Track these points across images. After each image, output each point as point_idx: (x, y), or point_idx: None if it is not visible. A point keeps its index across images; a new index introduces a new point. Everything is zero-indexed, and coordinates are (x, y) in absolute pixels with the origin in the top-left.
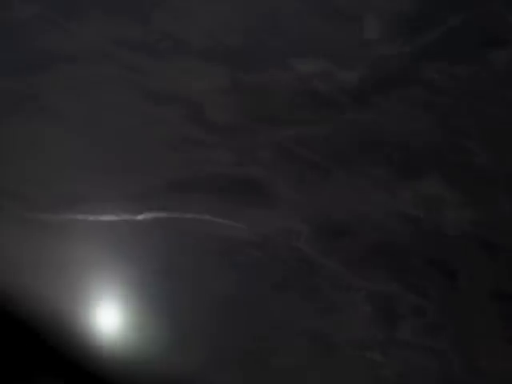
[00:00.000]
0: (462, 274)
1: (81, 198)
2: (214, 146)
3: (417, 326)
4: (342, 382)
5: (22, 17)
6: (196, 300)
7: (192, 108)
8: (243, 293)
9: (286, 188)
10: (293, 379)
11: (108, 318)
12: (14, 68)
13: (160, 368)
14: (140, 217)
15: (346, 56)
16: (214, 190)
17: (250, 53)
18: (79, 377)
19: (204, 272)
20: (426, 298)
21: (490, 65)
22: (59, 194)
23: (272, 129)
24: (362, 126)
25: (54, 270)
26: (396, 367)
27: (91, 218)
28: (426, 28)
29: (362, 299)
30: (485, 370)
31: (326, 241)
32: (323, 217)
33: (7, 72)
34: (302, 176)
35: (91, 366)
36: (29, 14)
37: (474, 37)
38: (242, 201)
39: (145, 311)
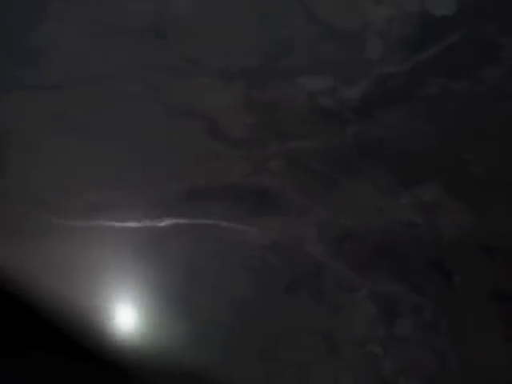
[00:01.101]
0: (459, 276)
1: (106, 206)
2: (229, 158)
3: (416, 323)
4: (347, 374)
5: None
6: (213, 301)
7: (209, 123)
8: (257, 294)
9: (295, 196)
10: (303, 373)
11: (129, 316)
12: (47, 85)
13: (179, 362)
14: (161, 223)
15: (350, 74)
16: (229, 198)
17: (262, 72)
18: (99, 365)
19: (221, 275)
20: (425, 298)
21: (483, 81)
22: (86, 202)
23: (282, 141)
24: (365, 138)
25: (80, 272)
26: (395, 361)
27: (116, 224)
28: (424, 47)
29: (365, 299)
30: (480, 366)
31: (333, 245)
32: (330, 223)
33: (42, 88)
34: (311, 185)
35: (110, 356)
36: None
37: (468, 55)
38: (255, 208)
39: (164, 311)
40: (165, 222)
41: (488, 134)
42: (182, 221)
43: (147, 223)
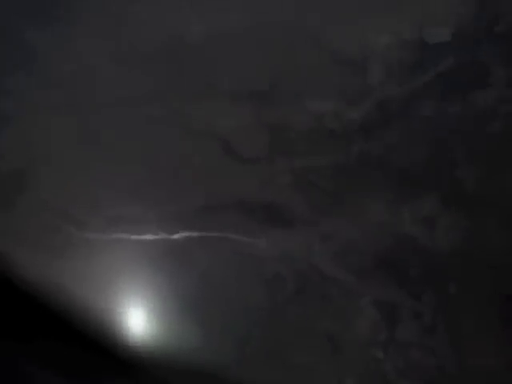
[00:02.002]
0: (455, 283)
1: (124, 220)
2: (240, 174)
3: (415, 327)
4: (350, 376)
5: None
6: (225, 308)
7: (222, 142)
8: (266, 301)
9: (302, 210)
10: (309, 374)
11: (144, 321)
12: (72, 107)
13: (191, 363)
14: (175, 236)
15: (353, 97)
16: (240, 213)
17: (271, 95)
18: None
19: (232, 284)
20: (424, 304)
21: (475, 103)
22: (106, 217)
23: (290, 159)
24: (367, 156)
25: (100, 280)
26: (397, 364)
27: (133, 236)
28: (421, 72)
29: (367, 305)
30: (479, 368)
31: (338, 256)
32: (335, 235)
33: (67, 110)
34: (316, 200)
35: (123, 355)
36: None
37: (462, 79)
38: (264, 221)
39: (178, 318)
40: (179, 235)
41: (480, 152)
42: (195, 234)
43: (162, 236)
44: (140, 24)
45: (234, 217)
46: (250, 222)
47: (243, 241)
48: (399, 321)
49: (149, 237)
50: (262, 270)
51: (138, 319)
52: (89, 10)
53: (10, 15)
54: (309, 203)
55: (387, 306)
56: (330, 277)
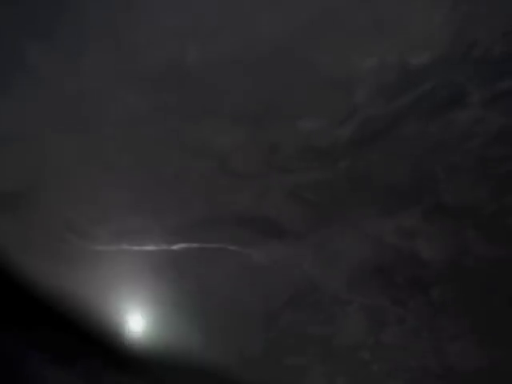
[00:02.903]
0: (435, 290)
1: (127, 232)
2: (235, 189)
3: (400, 331)
4: (341, 375)
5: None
6: (222, 313)
7: (219, 159)
8: (261, 307)
9: (294, 223)
10: (301, 374)
11: (146, 324)
12: (77, 128)
13: (190, 361)
14: (176, 247)
15: (340, 116)
16: (236, 225)
17: (264, 115)
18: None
19: (229, 291)
20: (407, 309)
21: (453, 122)
22: (111, 230)
23: (282, 175)
24: (353, 171)
25: (105, 287)
26: (383, 364)
27: (136, 248)
28: (403, 93)
29: (355, 310)
30: (457, 368)
31: (327, 265)
32: (323, 245)
33: (76, 131)
34: (307, 213)
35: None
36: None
37: (440, 100)
38: (259, 233)
39: (177, 323)
40: (179, 246)
41: (458, 167)
42: (194, 245)
43: (164, 247)
44: (142, 49)
45: (231, 229)
46: (246, 234)
47: (239, 251)
48: (385, 325)
49: (151, 248)
50: (257, 278)
51: (139, 322)
52: (93, 35)
53: (16, 37)
54: (300, 216)
55: (374, 311)
56: (321, 284)
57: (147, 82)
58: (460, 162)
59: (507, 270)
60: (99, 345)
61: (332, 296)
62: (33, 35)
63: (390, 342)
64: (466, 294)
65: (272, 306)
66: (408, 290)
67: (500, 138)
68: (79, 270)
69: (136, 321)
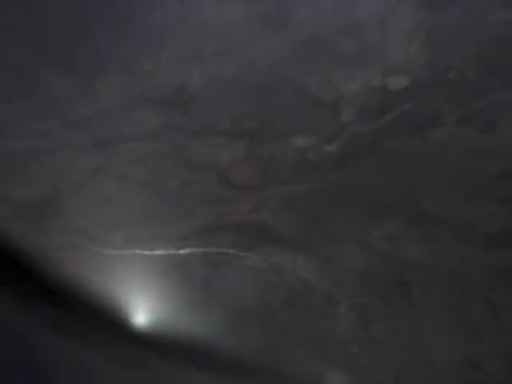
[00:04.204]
0: (417, 290)
1: (138, 238)
2: (235, 200)
3: (385, 327)
4: (332, 369)
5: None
6: (224, 311)
7: (220, 173)
8: (259, 306)
9: (289, 229)
10: (298, 367)
11: (156, 320)
12: (89, 144)
13: (197, 352)
14: (182, 251)
15: (329, 133)
16: (236, 232)
17: (260, 132)
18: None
19: (229, 291)
20: (391, 308)
21: (430, 139)
22: (124, 236)
23: (277, 187)
24: (342, 183)
25: (119, 288)
26: (370, 358)
27: (146, 252)
28: (385, 113)
29: (345, 309)
30: (438, 360)
31: (319, 267)
32: (316, 249)
33: (85, 146)
34: (300, 220)
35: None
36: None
37: (419, 119)
38: (257, 239)
39: (185, 320)
40: (184, 251)
41: (436, 179)
42: (198, 250)
43: (171, 251)
44: (151, 74)
45: (232, 235)
46: (245, 240)
47: (239, 255)
48: (372, 322)
49: (159, 252)
50: (255, 279)
51: (150, 317)
52: (106, 61)
53: (40, 65)
54: (294, 223)
55: (362, 310)
56: (314, 285)
57: (155, 103)
58: (437, 174)
59: (480, 272)
60: (106, 327)
61: (324, 296)
62: (52, 61)
63: (377, 337)
64: (444, 294)
65: (269, 304)
66: (392, 290)
67: (473, 152)
68: (94, 272)
69: (144, 314)
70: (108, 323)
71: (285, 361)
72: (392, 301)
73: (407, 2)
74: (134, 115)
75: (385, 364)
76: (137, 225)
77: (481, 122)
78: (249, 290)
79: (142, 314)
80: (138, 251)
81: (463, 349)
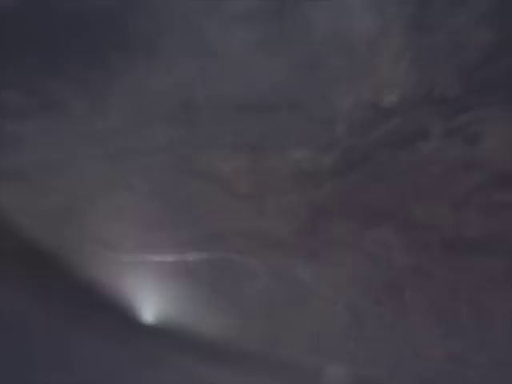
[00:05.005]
0: (406, 293)
1: (149, 245)
2: (237, 208)
3: (378, 326)
4: (331, 364)
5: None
6: (228, 310)
7: (223, 182)
8: (262, 306)
9: (288, 235)
10: (298, 363)
11: (166, 318)
12: (108, 159)
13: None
14: (189, 257)
15: (325, 145)
16: (239, 238)
17: (261, 145)
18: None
19: (233, 292)
20: (384, 308)
21: (419, 151)
22: (136, 243)
23: (277, 195)
24: (337, 192)
25: (131, 291)
26: (365, 355)
27: (156, 258)
28: (377, 127)
29: (342, 309)
30: (426, 356)
31: (317, 271)
32: (314, 254)
33: (102, 161)
34: (298, 226)
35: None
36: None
37: (408, 132)
38: (258, 244)
39: (192, 317)
40: (192, 256)
41: (424, 187)
42: (204, 255)
43: (179, 257)
44: (159, 92)
45: (235, 241)
46: (247, 245)
47: (242, 260)
48: (367, 321)
49: (169, 258)
50: (256, 282)
51: (161, 316)
52: (117, 80)
53: (58, 84)
54: (293, 230)
55: (357, 310)
56: (312, 288)
57: (164, 119)
58: (425, 184)
59: (466, 275)
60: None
61: (322, 297)
62: (69, 81)
63: (371, 335)
64: (432, 295)
65: (270, 306)
66: (385, 291)
67: (459, 163)
68: (109, 276)
69: (153, 312)
70: (121, 320)
71: (286, 356)
72: (385, 302)
73: (397, 24)
74: (144, 130)
75: (379, 360)
76: (147, 233)
77: (466, 136)
78: (251, 291)
79: (151, 312)
80: (149, 257)
81: (450, 345)
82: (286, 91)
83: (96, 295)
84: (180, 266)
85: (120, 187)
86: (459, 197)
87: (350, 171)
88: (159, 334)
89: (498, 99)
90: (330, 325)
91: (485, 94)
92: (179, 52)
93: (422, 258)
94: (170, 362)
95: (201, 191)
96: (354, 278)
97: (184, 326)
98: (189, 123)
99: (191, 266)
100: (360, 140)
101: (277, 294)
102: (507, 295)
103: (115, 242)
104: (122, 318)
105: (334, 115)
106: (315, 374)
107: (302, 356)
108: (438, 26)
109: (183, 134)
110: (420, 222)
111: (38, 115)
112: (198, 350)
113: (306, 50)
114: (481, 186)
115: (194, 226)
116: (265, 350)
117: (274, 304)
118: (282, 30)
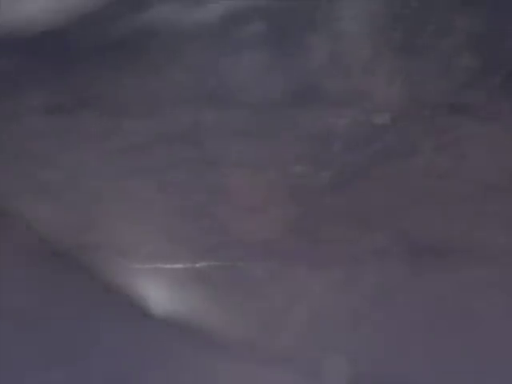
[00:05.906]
0: (400, 303)
1: (160, 253)
2: (244, 220)
3: (372, 326)
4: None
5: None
6: (233, 315)
7: (228, 197)
8: (267, 311)
9: (289, 245)
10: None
11: (175, 322)
12: (122, 177)
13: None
14: (199, 265)
15: (322, 162)
16: (245, 247)
17: (261, 162)
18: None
19: (240, 299)
20: (377, 312)
21: (409, 166)
22: (146, 251)
23: (276, 208)
24: (334, 206)
25: (140, 298)
26: (364, 353)
27: (166, 266)
28: (371, 144)
29: (340, 311)
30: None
31: (316, 272)
32: (312, 257)
33: (113, 176)
34: (299, 237)
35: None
36: None
37: (399, 149)
38: (263, 253)
39: (200, 319)
40: (200, 264)
41: (418, 199)
42: (213, 263)
43: (189, 265)
44: (168, 113)
45: (241, 250)
46: (253, 254)
47: (248, 268)
48: (362, 323)
49: (179, 266)
50: (262, 289)
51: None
52: (130, 103)
53: (76, 106)
54: (294, 240)
55: (355, 313)
56: (313, 292)
57: (173, 138)
58: (418, 197)
59: (456, 285)
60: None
61: (321, 300)
62: (87, 104)
63: (367, 333)
64: (425, 306)
65: (275, 306)
66: (378, 297)
67: (449, 176)
68: (122, 284)
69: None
70: (132, 326)
71: (288, 350)
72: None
73: (389, 47)
74: (155, 149)
75: (375, 354)
76: (158, 241)
77: (454, 151)
78: (256, 298)
79: (163, 317)
80: (160, 265)
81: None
82: (286, 110)
83: (109, 301)
84: (191, 273)
85: (128, 200)
86: (447, 207)
87: (347, 185)
88: (171, 338)
89: (482, 118)
90: (330, 325)
91: (470, 113)
92: (188, 75)
93: (414, 267)
94: (182, 363)
95: (208, 205)
96: (352, 284)
97: (195, 328)
98: (197, 141)
99: (202, 273)
100: (355, 157)
101: (279, 298)
102: (495, 301)
103: (128, 250)
104: (133, 324)
105: (331, 133)
106: (314, 368)
107: (303, 352)
108: (427, 49)
109: (192, 151)
110: (413, 231)
111: (59, 135)
112: (209, 352)
113: (305, 76)
114: (468, 197)
115: (203, 236)
116: (269, 345)
117: (276, 307)
118: (282, 57)
